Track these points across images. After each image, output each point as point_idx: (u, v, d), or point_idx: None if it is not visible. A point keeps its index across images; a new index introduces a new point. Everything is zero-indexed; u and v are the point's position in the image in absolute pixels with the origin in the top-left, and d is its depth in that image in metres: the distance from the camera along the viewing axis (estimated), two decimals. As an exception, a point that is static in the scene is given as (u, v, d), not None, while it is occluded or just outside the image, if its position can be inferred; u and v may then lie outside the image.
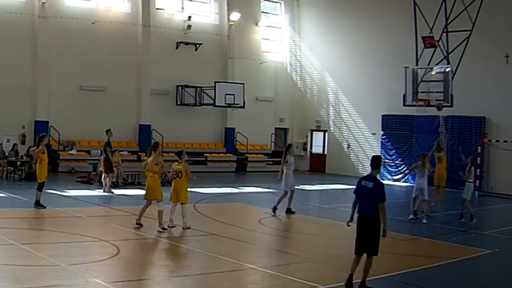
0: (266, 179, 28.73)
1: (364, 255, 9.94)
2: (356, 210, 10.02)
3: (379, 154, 31.40)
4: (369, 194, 9.71)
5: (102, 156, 22.35)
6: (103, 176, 21.55)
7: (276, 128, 36.10)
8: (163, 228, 14.09)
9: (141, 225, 14.41)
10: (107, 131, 21.88)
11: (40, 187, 16.70)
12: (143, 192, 21.09)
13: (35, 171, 24.21)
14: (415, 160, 29.49)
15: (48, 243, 12.52)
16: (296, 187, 26.43)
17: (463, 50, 24.32)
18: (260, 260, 11.92)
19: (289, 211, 18.06)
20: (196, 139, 32.45)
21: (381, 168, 31.24)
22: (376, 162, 10.11)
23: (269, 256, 12.44)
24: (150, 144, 29.34)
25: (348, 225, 10.21)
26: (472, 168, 17.88)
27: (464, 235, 15.61)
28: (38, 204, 16.52)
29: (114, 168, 23.23)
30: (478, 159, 26.49)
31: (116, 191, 21.32)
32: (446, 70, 24.32)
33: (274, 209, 17.87)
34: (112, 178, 21.70)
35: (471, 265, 12.59)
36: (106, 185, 21.10)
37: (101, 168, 22.51)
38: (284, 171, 18.23)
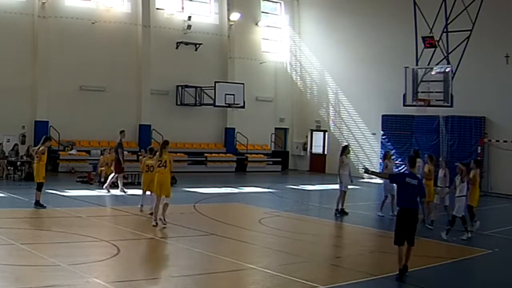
0: (266, 179, 28.76)
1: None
2: (396, 203, 11.39)
3: (379, 153, 31.48)
4: (414, 190, 10.82)
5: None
6: (113, 176, 21.51)
7: (276, 128, 36.10)
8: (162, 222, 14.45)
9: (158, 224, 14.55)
10: (121, 132, 22.04)
11: (39, 187, 16.66)
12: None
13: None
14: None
15: (48, 243, 12.52)
16: (296, 187, 26.69)
17: (463, 50, 24.31)
18: (260, 260, 11.92)
19: (342, 211, 18.00)
20: (196, 139, 32.44)
21: (382, 168, 31.52)
22: (414, 160, 11.75)
23: (269, 256, 12.43)
24: (150, 144, 29.45)
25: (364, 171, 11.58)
26: (443, 170, 16.87)
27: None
28: (38, 204, 16.51)
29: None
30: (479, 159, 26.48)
31: (116, 191, 21.31)
32: (446, 70, 24.32)
33: (341, 210, 17.92)
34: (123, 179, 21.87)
35: (471, 265, 12.59)
36: (119, 185, 21.25)
37: (111, 168, 22.77)
38: (340, 172, 18.30)
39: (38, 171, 16.70)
